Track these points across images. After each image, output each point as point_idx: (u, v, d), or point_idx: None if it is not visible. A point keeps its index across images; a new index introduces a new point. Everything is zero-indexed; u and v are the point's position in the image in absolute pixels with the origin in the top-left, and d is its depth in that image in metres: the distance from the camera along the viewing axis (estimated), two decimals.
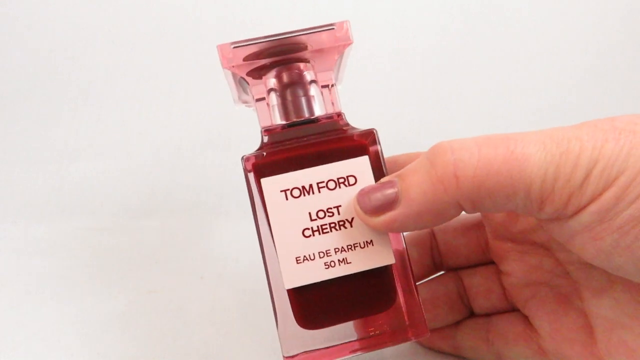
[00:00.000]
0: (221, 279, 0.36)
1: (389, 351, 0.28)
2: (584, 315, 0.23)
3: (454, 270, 0.28)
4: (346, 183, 0.22)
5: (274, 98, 0.24)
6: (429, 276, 0.28)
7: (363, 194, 0.21)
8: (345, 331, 0.22)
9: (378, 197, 0.21)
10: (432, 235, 0.28)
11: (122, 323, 0.31)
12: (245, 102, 0.28)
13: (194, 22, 0.50)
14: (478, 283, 0.27)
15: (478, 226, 0.27)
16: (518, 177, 0.18)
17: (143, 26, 0.50)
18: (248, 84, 0.25)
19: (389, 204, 0.20)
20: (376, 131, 0.23)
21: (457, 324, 0.27)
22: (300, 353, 0.22)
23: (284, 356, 0.22)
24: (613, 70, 0.52)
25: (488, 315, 0.27)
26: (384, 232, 0.22)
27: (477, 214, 0.27)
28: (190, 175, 0.47)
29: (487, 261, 0.27)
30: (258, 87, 0.25)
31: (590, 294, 0.23)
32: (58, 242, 0.41)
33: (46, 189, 0.46)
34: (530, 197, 0.19)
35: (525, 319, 0.25)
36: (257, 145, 0.24)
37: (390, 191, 0.20)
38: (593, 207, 0.18)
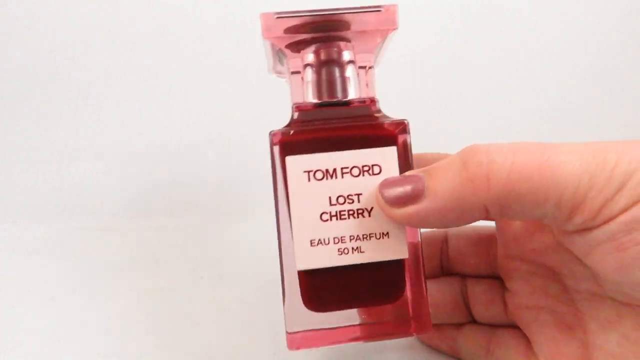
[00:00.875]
0: (221, 279, 0.36)
1: (389, 349, 0.28)
2: (586, 347, 0.22)
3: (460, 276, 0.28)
4: (370, 172, 0.22)
5: (309, 74, 0.24)
6: (433, 278, 0.28)
7: (387, 184, 0.21)
8: (348, 318, 0.22)
9: (402, 189, 0.21)
10: (445, 239, 0.28)
11: (122, 323, 0.31)
12: (279, 72, 0.28)
13: (194, 22, 0.50)
14: (480, 292, 0.27)
15: (491, 239, 0.27)
16: (551, 184, 0.18)
17: (143, 26, 0.50)
18: (286, 56, 0.25)
19: (413, 197, 0.20)
20: (408, 122, 0.23)
21: (460, 326, 0.27)
22: (303, 331, 0.22)
23: (287, 332, 0.22)
24: (613, 70, 0.52)
25: (492, 325, 0.27)
26: (402, 225, 0.22)
27: (493, 227, 0.26)
28: (190, 175, 0.47)
29: (493, 275, 0.27)
30: (295, 61, 0.25)
31: (596, 326, 0.22)
32: (58, 242, 0.41)
33: (46, 189, 0.46)
34: (560, 206, 0.19)
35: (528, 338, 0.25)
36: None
37: (416, 185, 0.20)
38: (622, 218, 0.18)
